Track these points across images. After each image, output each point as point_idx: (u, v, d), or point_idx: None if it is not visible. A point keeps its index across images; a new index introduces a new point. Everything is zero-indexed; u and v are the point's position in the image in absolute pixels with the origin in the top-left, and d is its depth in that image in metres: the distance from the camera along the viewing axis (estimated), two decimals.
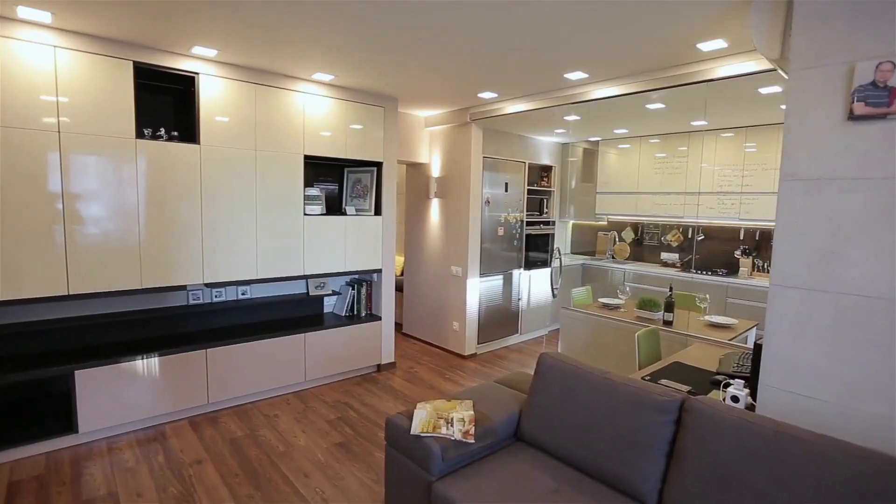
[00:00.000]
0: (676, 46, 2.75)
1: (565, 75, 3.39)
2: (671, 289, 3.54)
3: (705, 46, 2.72)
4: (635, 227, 6.42)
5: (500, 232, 5.15)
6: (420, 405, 2.22)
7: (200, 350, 3.35)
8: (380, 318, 4.37)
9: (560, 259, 4.24)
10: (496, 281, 5.16)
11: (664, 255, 6.08)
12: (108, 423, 3.03)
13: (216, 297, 3.74)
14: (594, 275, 6.23)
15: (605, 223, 6.69)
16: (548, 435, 2.12)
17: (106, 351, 3.15)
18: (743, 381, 2.08)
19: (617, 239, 6.55)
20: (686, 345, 3.21)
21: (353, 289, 4.39)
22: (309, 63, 3.28)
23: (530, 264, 5.51)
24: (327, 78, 3.63)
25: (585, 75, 3.37)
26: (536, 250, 5.60)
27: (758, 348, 2.06)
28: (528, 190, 5.51)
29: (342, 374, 4.19)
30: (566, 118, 4.92)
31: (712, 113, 4.59)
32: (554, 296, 4.24)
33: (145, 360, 3.14)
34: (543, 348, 5.34)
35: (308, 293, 4.19)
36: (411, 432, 2.02)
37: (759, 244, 5.31)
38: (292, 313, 4.25)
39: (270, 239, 3.63)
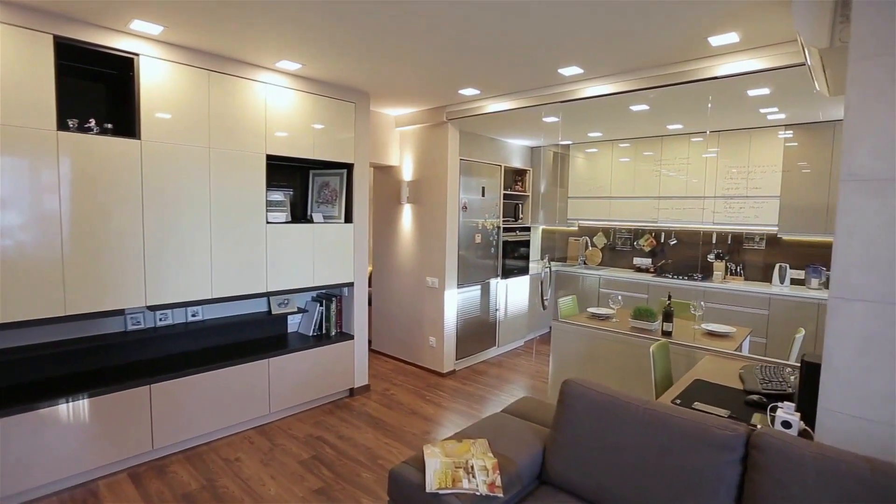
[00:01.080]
0: (686, 40, 2.57)
1: (559, 70, 3.15)
2: (670, 297, 3.37)
3: (716, 40, 2.55)
4: (607, 231, 6.34)
5: (478, 239, 4.86)
6: (428, 450, 1.85)
7: (142, 386, 2.80)
8: (352, 337, 3.94)
9: (550, 268, 4.00)
10: (474, 291, 4.85)
11: (637, 260, 6.03)
12: (21, 487, 2.42)
13: (161, 320, 3.17)
14: (567, 281, 6.08)
15: (576, 228, 6.58)
16: (582, 478, 1.82)
17: (19, 395, 2.53)
18: (792, 404, 1.87)
19: (589, 244, 6.45)
20: (690, 357, 3.04)
21: (321, 305, 3.93)
22: (273, 47, 2.84)
23: (507, 272, 5.25)
24: (294, 67, 3.19)
25: (580, 71, 3.15)
26: (513, 258, 5.35)
27: (810, 367, 1.86)
28: (504, 194, 5.26)
29: (311, 402, 3.72)
30: (545, 119, 4.72)
31: (690, 116, 4.54)
32: (544, 307, 3.98)
33: (71, 404, 2.55)
34: (525, 361, 5.08)
35: (270, 311, 3.69)
36: (427, 489, 1.65)
37: (732, 248, 5.34)
38: (252, 335, 3.73)
39: (228, 251, 3.13)
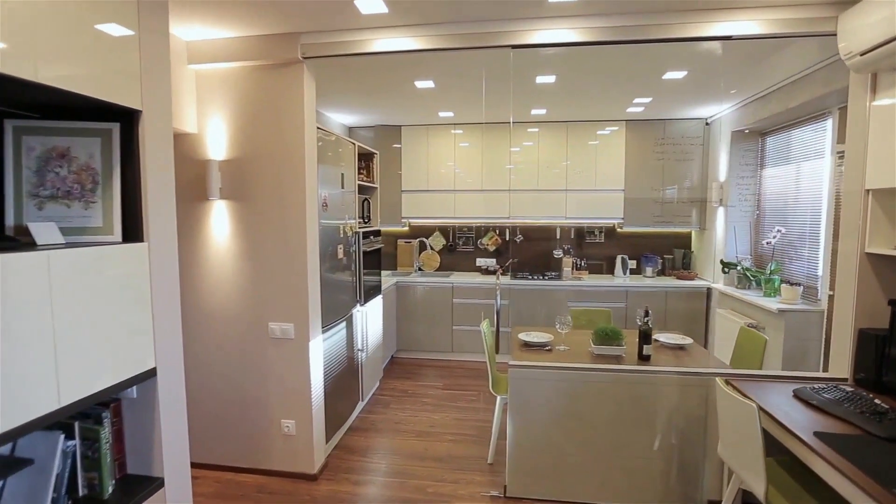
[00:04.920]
0: None
1: None
2: (647, 313, 2.70)
3: None
4: (445, 231, 5.50)
5: (339, 253, 3.23)
6: None
7: None
8: (160, 485, 1.86)
9: (498, 291, 2.84)
10: (339, 332, 3.23)
11: (480, 261, 5.41)
12: None
13: None
14: (410, 295, 4.98)
15: (407, 229, 5.51)
16: None
17: None
18: None
19: (429, 246, 5.48)
20: (702, 387, 2.44)
21: (68, 438, 1.69)
22: None
23: (367, 295, 3.77)
24: None
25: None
26: (370, 273, 3.89)
27: None
28: (358, 187, 3.74)
29: None
30: (418, 84, 3.49)
31: (557, 103, 4.09)
32: (497, 350, 2.79)
33: None
34: (397, 411, 3.73)
35: None
36: None
37: (575, 242, 5.27)
38: None
39: None
